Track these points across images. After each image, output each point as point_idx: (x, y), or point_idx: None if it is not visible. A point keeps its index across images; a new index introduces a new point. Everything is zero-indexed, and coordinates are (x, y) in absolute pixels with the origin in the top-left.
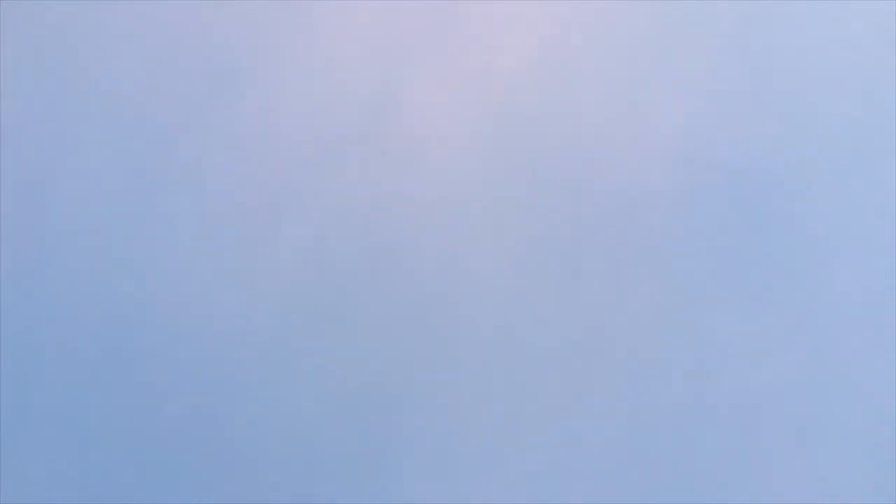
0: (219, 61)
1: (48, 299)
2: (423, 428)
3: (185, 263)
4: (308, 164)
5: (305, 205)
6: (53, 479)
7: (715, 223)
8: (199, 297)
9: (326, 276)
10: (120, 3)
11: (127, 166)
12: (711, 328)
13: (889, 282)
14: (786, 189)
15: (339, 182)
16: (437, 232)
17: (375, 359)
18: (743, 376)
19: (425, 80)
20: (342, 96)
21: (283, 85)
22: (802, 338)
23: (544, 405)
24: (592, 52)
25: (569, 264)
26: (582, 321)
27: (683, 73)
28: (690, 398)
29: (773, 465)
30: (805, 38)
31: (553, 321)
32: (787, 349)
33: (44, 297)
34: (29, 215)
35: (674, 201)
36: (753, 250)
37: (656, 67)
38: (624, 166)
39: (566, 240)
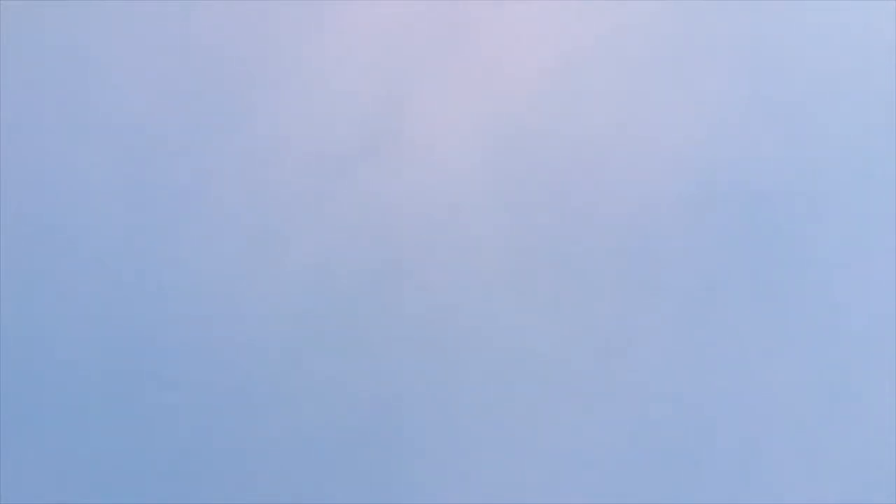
0: (227, 73)
1: (58, 311)
2: (430, 437)
3: (195, 274)
4: (316, 176)
5: (313, 216)
6: (55, 482)
7: (723, 237)
8: (208, 308)
9: (334, 287)
10: (124, 11)
11: (134, 177)
12: (718, 340)
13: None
14: (794, 205)
15: (347, 193)
16: (444, 243)
17: (383, 368)
18: (748, 386)
19: (433, 94)
20: (350, 109)
21: (291, 98)
22: (808, 349)
23: (551, 416)
24: (603, 65)
25: (577, 277)
26: (590, 334)
27: (694, 89)
28: (697, 409)
29: (778, 475)
30: (818, 58)
31: (560, 333)
32: (793, 360)
33: (54, 308)
34: (31, 226)
35: (682, 216)
36: (761, 264)
37: (667, 84)
38: (633, 181)
39: (574, 253)
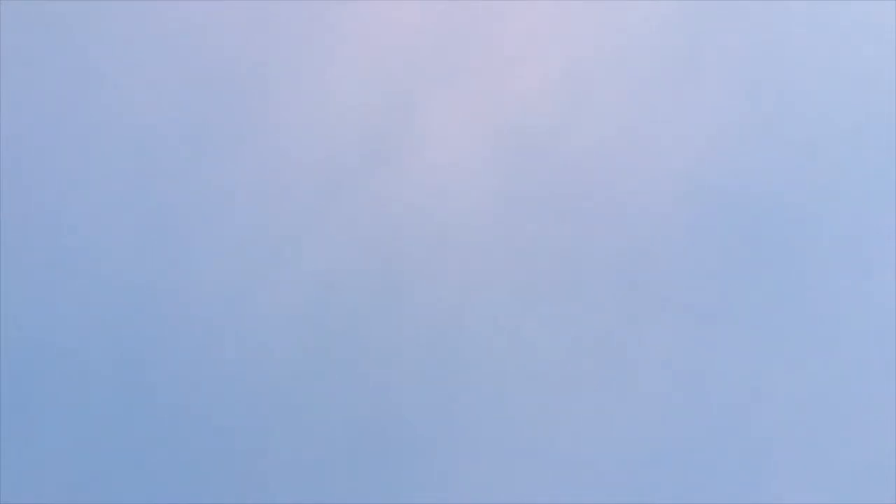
0: (233, 79)
1: (64, 317)
2: (437, 441)
3: (203, 280)
4: (325, 183)
5: (322, 222)
6: (57, 484)
7: (729, 244)
8: (216, 314)
9: (343, 292)
10: (129, 16)
11: (140, 183)
12: (724, 346)
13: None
14: (803, 214)
15: (355, 200)
16: (453, 250)
17: (391, 373)
18: (753, 390)
19: (441, 101)
20: (358, 116)
21: (298, 105)
22: (815, 354)
23: (558, 421)
24: (612, 73)
25: (585, 283)
26: (598, 340)
27: (703, 97)
28: (702, 414)
29: (784, 479)
30: (824, 68)
31: (568, 339)
32: (798, 365)
33: (59, 313)
34: (35, 232)
35: (691, 223)
36: (767, 270)
37: (677, 91)
38: (642, 188)
39: (584, 259)
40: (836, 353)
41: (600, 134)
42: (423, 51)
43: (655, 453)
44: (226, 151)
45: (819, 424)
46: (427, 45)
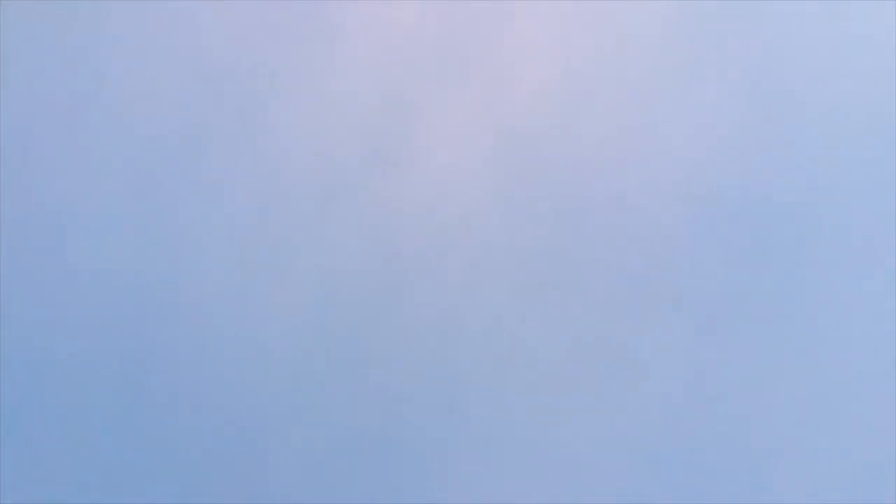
0: (234, 80)
1: (64, 321)
2: (438, 443)
3: (203, 281)
4: (324, 184)
5: (321, 223)
6: (56, 482)
7: (732, 246)
8: (217, 314)
9: (342, 293)
10: (129, 17)
11: (141, 184)
12: (727, 348)
13: None
14: (806, 215)
15: (355, 201)
16: (452, 251)
17: (392, 374)
18: (756, 393)
19: (441, 102)
20: (358, 117)
21: (299, 106)
22: (819, 357)
23: (561, 423)
24: (613, 73)
25: (585, 284)
26: (599, 341)
27: (704, 98)
28: (704, 417)
29: (788, 482)
30: (824, 68)
31: (569, 341)
32: (802, 368)
33: (59, 317)
34: (34, 233)
35: (693, 225)
36: (770, 272)
37: (677, 93)
38: (642, 189)
39: (583, 261)
40: (837, 352)
41: (600, 134)
42: (423, 51)
43: (656, 453)
44: (226, 151)
45: (821, 424)
46: (427, 46)
